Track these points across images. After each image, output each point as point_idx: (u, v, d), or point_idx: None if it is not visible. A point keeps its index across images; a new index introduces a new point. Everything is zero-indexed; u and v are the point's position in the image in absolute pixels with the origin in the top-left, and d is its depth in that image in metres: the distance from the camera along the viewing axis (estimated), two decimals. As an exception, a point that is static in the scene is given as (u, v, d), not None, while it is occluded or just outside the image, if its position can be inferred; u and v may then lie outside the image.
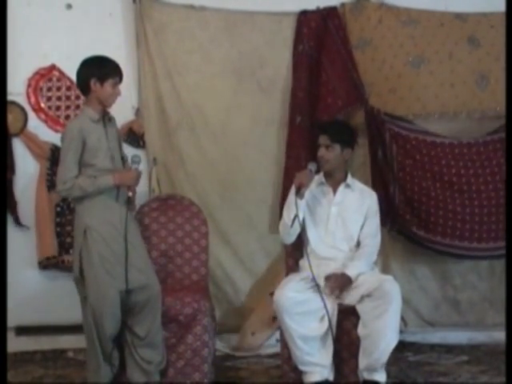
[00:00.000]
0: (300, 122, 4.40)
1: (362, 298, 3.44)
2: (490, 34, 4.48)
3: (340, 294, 3.51)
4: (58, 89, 4.42)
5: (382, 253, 4.12)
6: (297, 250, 3.80)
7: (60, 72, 4.41)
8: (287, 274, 3.76)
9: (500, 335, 4.17)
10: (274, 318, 4.19)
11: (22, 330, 4.38)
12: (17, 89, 4.34)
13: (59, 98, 4.43)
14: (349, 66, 4.36)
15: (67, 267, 4.26)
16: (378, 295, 3.37)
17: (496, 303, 4.51)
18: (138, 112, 4.43)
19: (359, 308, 3.44)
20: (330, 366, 3.46)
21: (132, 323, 3.54)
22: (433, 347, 4.41)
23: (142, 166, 3.78)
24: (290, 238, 3.69)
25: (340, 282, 3.51)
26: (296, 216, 3.54)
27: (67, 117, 4.41)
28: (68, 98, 4.42)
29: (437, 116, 4.43)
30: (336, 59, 4.37)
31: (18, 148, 4.39)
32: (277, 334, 3.80)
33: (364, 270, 3.59)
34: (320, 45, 4.41)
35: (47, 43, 4.37)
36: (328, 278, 3.53)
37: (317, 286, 3.47)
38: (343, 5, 4.46)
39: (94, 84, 3.45)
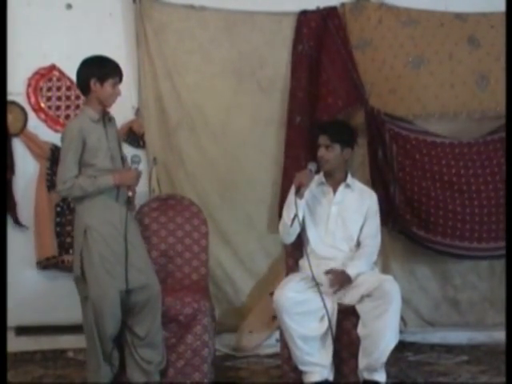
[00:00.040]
0: (300, 122, 4.40)
1: (361, 298, 3.44)
2: (490, 34, 4.48)
3: (338, 289, 3.51)
4: (58, 89, 4.42)
5: (382, 253, 4.12)
6: (297, 250, 3.80)
7: (60, 72, 4.41)
8: (287, 274, 3.76)
9: (500, 335, 4.17)
10: (274, 318, 4.20)
11: (22, 330, 4.38)
12: (17, 89, 4.34)
13: (59, 98, 4.43)
14: (349, 66, 4.36)
15: (67, 267, 4.26)
16: (377, 295, 3.37)
17: (496, 303, 4.51)
18: (137, 112, 4.43)
19: (359, 308, 3.44)
20: (329, 365, 3.46)
21: (132, 323, 3.54)
22: (433, 347, 4.41)
23: (142, 166, 3.79)
24: (290, 238, 3.69)
25: (340, 279, 3.52)
26: (296, 216, 3.54)
27: (67, 117, 4.41)
28: (68, 97, 4.42)
29: (437, 116, 4.43)
30: (336, 59, 4.37)
31: (18, 148, 4.38)
32: (277, 334, 3.80)
33: (364, 270, 3.59)
34: (320, 45, 4.41)
35: (47, 43, 4.37)
36: (328, 273, 3.54)
37: (317, 285, 3.47)
38: (343, 5, 4.46)
39: (93, 84, 3.46)
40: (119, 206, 3.51)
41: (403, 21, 4.44)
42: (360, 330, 3.41)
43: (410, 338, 4.41)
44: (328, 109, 4.34)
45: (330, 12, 4.44)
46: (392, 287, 3.40)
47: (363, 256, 3.65)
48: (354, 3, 4.45)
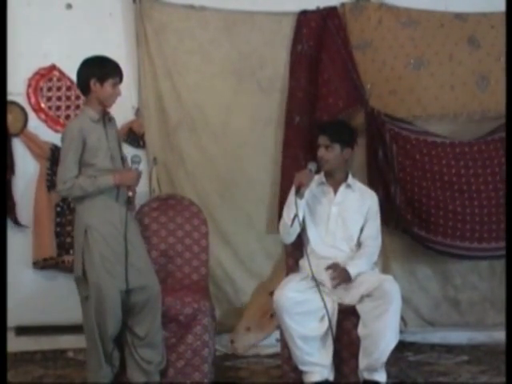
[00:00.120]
0: (299, 122, 4.40)
1: (361, 298, 3.44)
2: (490, 34, 4.48)
3: (338, 285, 3.51)
4: (58, 89, 4.42)
5: (382, 253, 4.11)
6: (297, 250, 3.80)
7: (60, 72, 4.40)
8: (287, 274, 3.76)
9: (500, 335, 4.17)
10: (271, 316, 4.21)
11: (22, 330, 4.38)
12: (17, 89, 4.34)
13: (59, 98, 4.43)
14: (349, 67, 4.36)
15: (67, 267, 4.26)
16: (378, 295, 3.37)
17: (496, 303, 4.51)
18: (138, 112, 4.43)
19: (359, 308, 3.44)
20: (329, 365, 3.46)
21: (132, 323, 3.54)
22: (433, 347, 4.41)
23: (142, 166, 3.78)
24: (290, 238, 3.69)
25: (340, 275, 3.52)
26: (296, 216, 3.54)
27: (67, 117, 4.41)
28: (68, 98, 4.42)
29: (437, 118, 4.44)
30: (336, 59, 4.37)
31: (18, 148, 4.38)
32: (277, 334, 3.80)
33: (364, 270, 3.59)
34: (320, 45, 4.41)
35: (47, 43, 4.37)
36: (329, 268, 3.54)
37: (317, 285, 3.47)
38: (343, 5, 4.46)
39: (93, 84, 3.45)
40: (119, 206, 3.51)
41: (403, 21, 4.44)
42: (360, 330, 3.41)
43: (410, 338, 4.41)
44: (328, 109, 4.34)
45: (330, 12, 4.44)
46: (392, 287, 3.40)
47: (364, 256, 3.65)
48: (353, 3, 4.45)
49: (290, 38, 4.45)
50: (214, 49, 4.43)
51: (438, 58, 4.45)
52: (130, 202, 3.57)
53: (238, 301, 4.46)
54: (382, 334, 3.33)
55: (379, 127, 4.34)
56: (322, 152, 3.69)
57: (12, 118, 4.33)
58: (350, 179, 3.77)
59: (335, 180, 3.76)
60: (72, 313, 3.85)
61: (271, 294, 4.20)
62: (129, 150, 4.17)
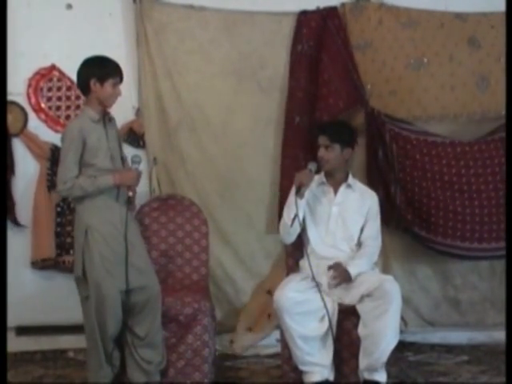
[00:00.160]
0: (299, 122, 4.40)
1: (362, 298, 3.44)
2: (490, 34, 4.48)
3: (339, 284, 3.51)
4: (59, 89, 4.42)
5: (383, 253, 4.11)
6: (297, 250, 3.80)
7: (60, 72, 4.40)
8: (287, 274, 3.76)
9: (500, 335, 4.17)
10: (269, 316, 4.21)
11: (22, 330, 4.38)
12: (17, 89, 4.34)
13: (59, 98, 4.42)
14: (349, 67, 4.36)
15: (67, 268, 4.26)
16: (378, 295, 3.37)
17: (496, 303, 4.51)
18: (138, 112, 4.43)
19: (359, 308, 3.44)
20: (330, 365, 3.46)
21: (132, 323, 3.54)
22: (433, 347, 4.41)
23: (142, 166, 3.78)
24: (290, 238, 3.69)
25: (341, 275, 3.52)
26: (296, 216, 3.54)
27: (67, 117, 4.41)
28: (68, 98, 4.42)
29: (437, 118, 4.44)
30: (336, 59, 4.37)
31: (18, 148, 4.38)
32: (277, 334, 3.80)
33: (365, 270, 3.59)
34: (320, 45, 4.40)
35: (47, 43, 4.37)
36: (331, 268, 3.54)
37: (317, 285, 3.47)
38: (343, 5, 4.46)
39: (93, 84, 3.45)
40: (119, 206, 3.51)
41: (403, 22, 4.44)
42: (360, 330, 3.41)
43: (410, 338, 4.41)
44: (329, 109, 4.33)
45: (330, 12, 4.44)
46: (392, 287, 3.40)
47: (364, 256, 3.65)
48: (354, 3, 4.45)
49: (290, 38, 4.44)
50: (214, 49, 4.43)
51: (438, 58, 4.45)
52: (130, 202, 3.57)
53: (239, 301, 4.46)
54: (382, 334, 3.33)
55: (379, 127, 4.34)
56: (322, 152, 3.69)
57: (12, 118, 4.33)
58: (351, 179, 3.77)
59: (335, 180, 3.76)
60: (72, 313, 3.85)
61: (269, 292, 4.23)
62: (129, 150, 4.16)
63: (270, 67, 4.47)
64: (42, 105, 4.41)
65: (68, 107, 4.42)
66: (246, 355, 4.31)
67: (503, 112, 4.22)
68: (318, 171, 3.71)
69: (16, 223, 4.33)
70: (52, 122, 4.41)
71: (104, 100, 3.49)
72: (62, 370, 4.12)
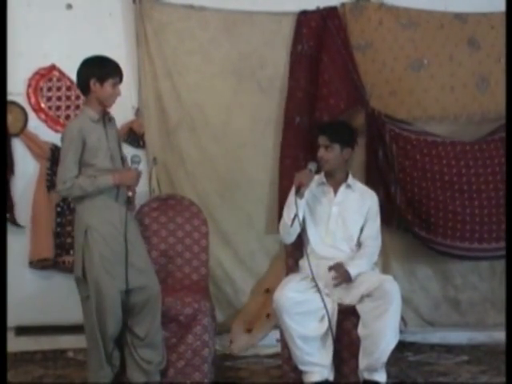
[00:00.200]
0: (299, 123, 4.40)
1: (361, 298, 3.44)
2: (490, 34, 4.48)
3: (339, 284, 3.51)
4: (58, 89, 4.42)
5: (383, 253, 4.11)
6: (297, 250, 3.80)
7: (60, 72, 4.40)
8: (287, 274, 3.76)
9: (500, 335, 4.17)
10: (268, 315, 4.21)
11: (22, 330, 4.38)
12: (17, 89, 4.34)
13: (59, 98, 4.43)
14: (349, 67, 4.36)
15: (67, 268, 4.26)
16: (378, 295, 3.37)
17: (496, 303, 4.51)
18: (138, 112, 4.43)
19: (359, 308, 3.44)
20: (329, 365, 3.46)
21: (132, 323, 3.54)
22: (433, 347, 4.41)
23: (142, 166, 3.79)
24: (290, 238, 3.69)
25: (342, 275, 3.52)
26: (296, 216, 3.54)
27: (67, 117, 4.41)
28: (68, 98, 4.42)
29: (437, 119, 4.44)
30: (337, 60, 4.37)
31: (18, 148, 4.38)
32: (277, 334, 3.80)
33: (365, 270, 3.59)
34: (320, 45, 4.40)
35: (47, 43, 4.37)
36: (331, 268, 3.53)
37: (317, 285, 3.47)
38: (343, 5, 4.46)
39: (93, 84, 3.45)
40: (119, 206, 3.51)
41: (403, 23, 4.44)
42: (360, 330, 3.41)
43: (410, 338, 4.41)
44: (329, 109, 4.33)
45: (330, 12, 4.43)
46: (392, 287, 3.40)
47: (364, 256, 3.65)
48: (353, 3, 4.45)
49: (290, 38, 4.44)
50: (213, 49, 4.43)
51: (438, 59, 4.45)
52: (129, 201, 3.57)
53: (238, 301, 4.45)
54: (382, 334, 3.33)
55: (379, 128, 4.34)
56: (321, 152, 3.69)
57: (12, 118, 4.33)
58: (350, 179, 3.77)
59: (335, 180, 3.76)
60: (72, 313, 3.86)
61: (267, 291, 4.23)
62: (129, 150, 4.17)
63: (269, 67, 4.47)
64: (42, 105, 4.41)
65: (68, 107, 4.42)
66: (245, 355, 4.30)
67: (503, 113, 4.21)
68: (317, 171, 3.71)
69: (15, 223, 4.33)
70: (52, 121, 4.41)
71: (104, 100, 3.49)
72: (62, 370, 4.12)
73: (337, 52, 4.37)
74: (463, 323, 4.55)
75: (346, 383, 3.51)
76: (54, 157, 4.29)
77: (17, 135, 4.37)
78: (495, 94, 4.43)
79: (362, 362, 3.41)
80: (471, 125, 4.47)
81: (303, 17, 4.44)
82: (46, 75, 4.40)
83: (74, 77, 3.62)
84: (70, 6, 4.41)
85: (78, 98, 4.35)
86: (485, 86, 4.46)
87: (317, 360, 3.44)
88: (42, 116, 4.41)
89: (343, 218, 3.70)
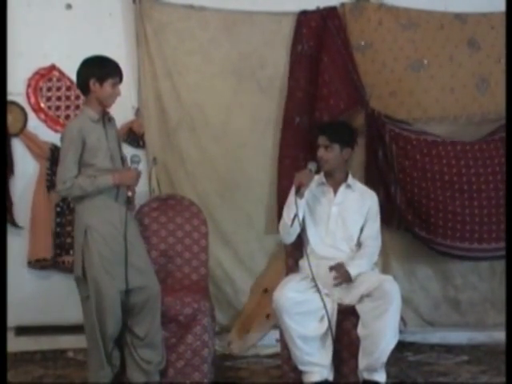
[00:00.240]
0: (299, 123, 4.40)
1: (361, 298, 3.44)
2: (490, 35, 4.47)
3: (340, 284, 3.51)
4: (58, 89, 4.42)
5: (383, 253, 4.11)
6: (297, 250, 3.80)
7: (60, 72, 4.41)
8: (287, 274, 3.76)
9: (500, 335, 4.17)
10: (268, 316, 4.21)
11: (22, 330, 4.38)
12: (17, 89, 4.34)
13: (59, 98, 4.43)
14: (349, 68, 4.35)
15: (67, 268, 4.26)
16: (377, 295, 3.37)
17: (496, 304, 4.51)
18: (137, 112, 4.43)
19: (359, 308, 3.44)
20: (329, 365, 3.46)
21: (131, 323, 3.54)
22: (433, 347, 4.41)
23: (142, 166, 3.79)
24: (290, 238, 3.69)
25: (343, 276, 3.52)
26: (296, 215, 3.54)
27: (67, 117, 4.41)
28: (68, 98, 4.42)
29: (437, 120, 4.43)
30: (337, 60, 4.36)
31: (18, 148, 4.38)
32: (277, 334, 3.80)
33: (365, 270, 3.59)
34: (320, 45, 4.40)
35: (47, 43, 4.37)
36: (332, 268, 3.53)
37: (316, 285, 3.47)
38: (343, 5, 4.46)
39: (93, 84, 3.45)
40: (119, 206, 3.51)
41: (403, 23, 4.44)
42: (360, 330, 3.41)
43: (410, 338, 4.41)
44: (329, 110, 4.32)
45: (330, 12, 4.43)
46: (392, 287, 3.40)
47: (364, 256, 3.65)
48: (353, 3, 4.45)
49: (290, 38, 4.44)
50: (213, 49, 4.43)
51: (438, 60, 4.45)
52: (129, 201, 3.57)
53: (238, 301, 4.45)
54: (381, 334, 3.33)
55: (379, 128, 4.34)
56: (321, 152, 3.69)
57: (12, 118, 4.33)
58: (350, 179, 3.77)
59: (335, 180, 3.76)
60: (72, 313, 3.86)
61: (265, 291, 4.22)
62: (129, 150, 4.17)
63: (269, 67, 4.47)
64: (42, 105, 4.41)
65: (67, 107, 4.42)
66: (245, 355, 4.30)
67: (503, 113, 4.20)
68: (317, 171, 3.71)
69: (13, 224, 4.32)
70: (51, 121, 4.41)
71: (103, 100, 3.48)
72: (62, 370, 4.12)
73: (337, 52, 4.37)
74: (463, 323, 4.55)
75: (346, 383, 3.51)
76: (53, 157, 4.29)
77: (16, 135, 4.37)
78: (495, 95, 4.43)
79: (362, 362, 3.41)
80: (471, 125, 4.48)
81: (303, 17, 4.44)
82: (46, 75, 4.41)
83: (73, 77, 3.62)
84: (69, 6, 4.41)
85: (77, 98, 4.35)
86: (485, 87, 4.46)
87: (316, 360, 3.44)
88: (42, 116, 4.41)
89: (343, 218, 3.70)
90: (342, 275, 3.52)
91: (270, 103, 4.47)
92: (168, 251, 4.03)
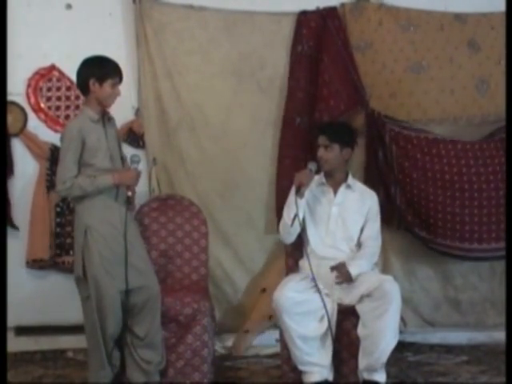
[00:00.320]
0: (299, 123, 4.40)
1: (361, 298, 3.44)
2: (490, 35, 4.47)
3: (341, 283, 3.51)
4: (58, 89, 4.42)
5: (383, 253, 4.12)
6: (297, 250, 3.80)
7: (60, 72, 4.41)
8: (287, 274, 3.76)
9: (500, 335, 4.17)
10: (270, 317, 4.20)
11: (22, 330, 4.38)
12: (17, 89, 4.34)
13: (59, 98, 4.43)
14: (349, 68, 4.35)
15: (67, 268, 4.26)
16: (377, 295, 3.37)
17: (496, 304, 4.50)
18: (137, 112, 4.43)
19: (359, 308, 3.44)
20: (329, 366, 3.46)
21: (131, 323, 3.54)
22: (433, 347, 4.40)
23: (142, 166, 3.79)
24: (290, 238, 3.69)
25: (344, 275, 3.52)
26: (296, 215, 3.54)
27: (67, 117, 4.41)
28: (68, 98, 4.42)
29: (437, 121, 4.43)
30: (337, 60, 4.36)
31: (18, 148, 4.39)
32: (276, 334, 3.80)
33: (365, 270, 3.59)
34: (320, 45, 4.40)
35: (47, 43, 4.37)
36: (333, 269, 3.53)
37: (316, 285, 3.47)
38: (343, 5, 4.46)
39: (93, 84, 3.45)
40: (119, 206, 3.51)
41: (403, 25, 4.44)
42: (360, 331, 3.41)
43: (409, 338, 4.40)
44: (330, 111, 4.32)
45: (330, 12, 4.43)
46: (392, 287, 3.40)
47: (365, 256, 3.65)
48: (353, 3, 4.45)
49: (290, 39, 4.44)
50: (213, 49, 4.43)
51: (438, 61, 4.45)
52: (129, 201, 3.57)
53: (238, 301, 4.45)
54: (381, 334, 3.33)
55: (379, 129, 4.34)
56: (321, 152, 3.69)
57: (12, 118, 4.33)
58: (350, 179, 3.77)
59: (335, 180, 3.76)
60: (72, 313, 3.86)
61: (263, 290, 4.22)
62: (128, 150, 4.17)
63: (269, 67, 4.47)
64: (42, 105, 4.41)
65: (67, 107, 4.42)
66: (245, 355, 4.30)
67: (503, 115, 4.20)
68: (318, 171, 3.71)
69: (11, 224, 4.31)
70: (51, 121, 4.41)
71: (103, 100, 3.48)
72: (62, 370, 4.12)
73: (337, 52, 4.37)
74: (463, 323, 4.54)
75: (346, 383, 3.51)
76: (53, 157, 4.29)
77: (16, 135, 4.37)
78: (495, 97, 4.43)
79: (362, 362, 3.41)
80: (471, 127, 4.47)
81: (303, 17, 4.44)
82: (46, 75, 4.41)
83: (73, 77, 3.62)
84: (69, 6, 4.41)
85: (77, 98, 4.35)
86: (485, 88, 4.46)
87: (316, 360, 3.44)
88: (42, 116, 4.41)
89: (343, 218, 3.70)
90: (343, 275, 3.52)
91: (270, 103, 4.47)
92: (168, 251, 4.03)
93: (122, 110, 4.17)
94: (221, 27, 4.42)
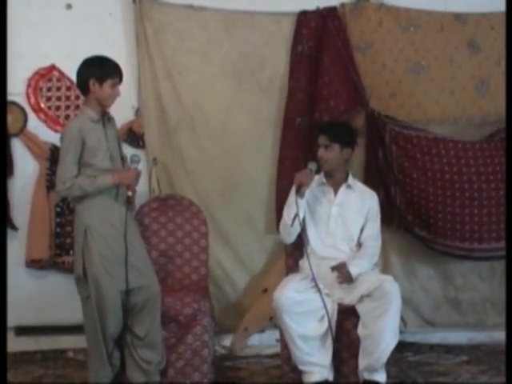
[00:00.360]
0: (300, 123, 4.40)
1: (361, 298, 3.44)
2: (490, 36, 4.47)
3: (342, 283, 3.51)
4: (58, 89, 4.42)
5: (383, 252, 4.12)
6: (297, 250, 3.80)
7: (60, 72, 4.40)
8: (287, 274, 3.76)
9: (500, 335, 4.17)
10: (271, 318, 4.20)
11: (22, 330, 4.38)
12: (17, 89, 4.34)
13: (59, 98, 4.43)
14: (349, 68, 4.35)
15: (67, 268, 4.26)
16: (378, 295, 3.37)
17: (497, 304, 4.51)
18: (137, 112, 4.43)
19: (359, 308, 3.44)
20: (329, 365, 3.46)
21: (131, 323, 3.54)
22: (433, 347, 4.40)
23: (142, 166, 3.79)
24: (291, 238, 3.69)
25: (345, 276, 3.52)
26: (296, 215, 3.54)
27: (67, 117, 4.41)
28: (68, 98, 4.42)
29: (437, 122, 4.43)
30: (337, 60, 4.36)
31: (18, 148, 4.38)
32: (276, 334, 3.80)
33: (365, 270, 3.59)
34: (320, 45, 4.40)
35: (47, 43, 4.37)
36: (334, 269, 3.53)
37: (317, 285, 3.47)
38: (343, 5, 4.46)
39: (93, 84, 3.45)
40: (119, 206, 3.51)
41: (403, 25, 4.43)
42: (360, 330, 3.41)
43: (410, 338, 4.40)
44: (330, 111, 4.31)
45: (330, 12, 4.43)
46: (392, 287, 3.40)
47: (365, 256, 3.65)
48: (353, 3, 4.44)
49: (290, 39, 4.44)
50: (213, 49, 4.43)
51: (438, 62, 4.45)
52: (129, 201, 3.57)
53: (238, 301, 4.45)
54: (382, 334, 3.33)
55: (379, 129, 4.34)
56: (321, 152, 3.70)
57: (12, 118, 4.33)
58: (351, 179, 3.77)
59: (335, 180, 3.76)
60: (72, 313, 3.86)
61: (265, 290, 4.22)
62: (128, 150, 4.16)
63: (269, 67, 4.47)
64: (42, 105, 4.41)
65: (67, 107, 4.42)
66: (245, 355, 4.30)
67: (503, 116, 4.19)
68: (318, 171, 3.71)
69: (10, 224, 4.31)
70: (51, 121, 4.41)
71: (103, 100, 3.48)
72: (62, 370, 4.12)
73: (337, 52, 4.37)
74: (463, 323, 4.54)
75: (346, 383, 3.51)
76: (53, 157, 4.29)
77: (16, 135, 4.37)
78: (495, 97, 4.43)
79: (362, 362, 3.41)
80: (471, 127, 4.47)
81: (303, 17, 4.44)
82: (46, 75, 4.40)
83: (73, 77, 3.62)
84: (69, 6, 4.41)
85: (77, 98, 4.35)
86: (484, 89, 4.46)
87: (316, 360, 3.44)
88: (42, 116, 4.41)
89: (343, 218, 3.70)
90: (343, 275, 3.52)
91: (270, 103, 4.47)
92: (168, 251, 4.03)
93: (122, 110, 4.17)
94: (221, 27, 4.42)
